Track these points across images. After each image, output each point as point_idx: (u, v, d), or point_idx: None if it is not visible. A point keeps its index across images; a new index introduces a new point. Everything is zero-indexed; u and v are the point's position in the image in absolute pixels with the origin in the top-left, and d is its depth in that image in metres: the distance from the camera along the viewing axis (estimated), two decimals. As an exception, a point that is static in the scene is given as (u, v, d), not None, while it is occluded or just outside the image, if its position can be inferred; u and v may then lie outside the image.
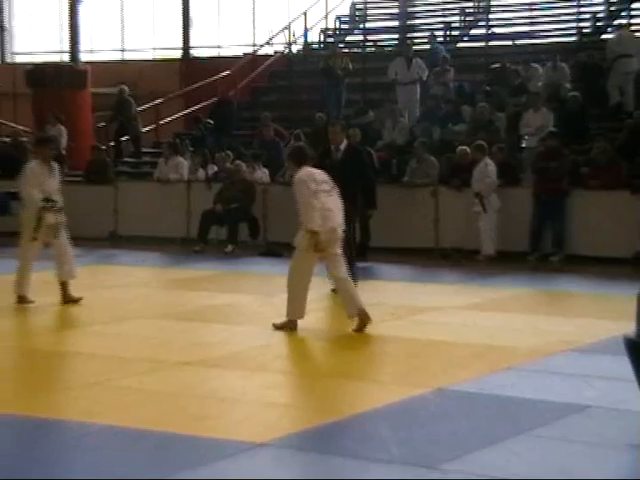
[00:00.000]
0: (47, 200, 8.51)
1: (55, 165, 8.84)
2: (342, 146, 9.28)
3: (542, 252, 11.57)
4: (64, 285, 8.67)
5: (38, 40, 23.05)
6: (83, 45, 18.68)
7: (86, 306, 8.68)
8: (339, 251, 7.44)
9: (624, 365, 4.72)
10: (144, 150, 16.75)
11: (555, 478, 4.20)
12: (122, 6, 22.33)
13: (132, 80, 18.39)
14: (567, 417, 5.12)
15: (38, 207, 8.46)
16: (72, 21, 18.06)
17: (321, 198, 7.22)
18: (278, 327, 7.42)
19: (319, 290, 9.62)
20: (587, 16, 17.33)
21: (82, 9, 18.27)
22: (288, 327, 7.40)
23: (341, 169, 8.84)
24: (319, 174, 7.44)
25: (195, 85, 18.01)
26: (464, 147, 12.23)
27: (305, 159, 7.56)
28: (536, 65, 14.66)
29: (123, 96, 16.43)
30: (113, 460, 4.49)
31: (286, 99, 17.14)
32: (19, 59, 23.00)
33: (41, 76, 17.29)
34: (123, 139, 16.63)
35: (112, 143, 16.66)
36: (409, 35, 18.91)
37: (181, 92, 18.63)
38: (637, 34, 14.26)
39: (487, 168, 11.57)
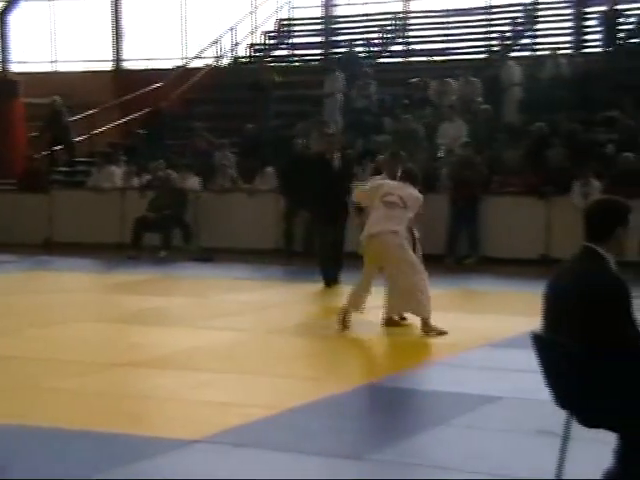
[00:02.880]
0: None
1: None
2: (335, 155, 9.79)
3: (458, 254, 11.80)
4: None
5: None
6: (14, 56, 18.29)
7: (21, 311, 8.50)
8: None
9: (534, 358, 4.85)
10: (79, 159, 16.48)
11: (472, 462, 4.30)
12: (53, 18, 21.90)
13: (65, 91, 18.03)
14: (481, 407, 5.25)
15: None
16: (2, 31, 17.67)
17: None
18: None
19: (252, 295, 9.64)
20: (495, 35, 17.75)
21: (12, 20, 17.88)
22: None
23: (339, 177, 9.53)
24: None
25: (128, 96, 17.78)
26: (383, 156, 12.36)
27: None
28: (450, 80, 14.93)
29: (55, 107, 16.15)
30: (48, 461, 4.38)
31: (217, 110, 17.07)
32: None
33: (-28, 86, 16.89)
34: (57, 148, 16.34)
35: (46, 152, 16.35)
36: (332, 50, 19.05)
37: (114, 103, 18.37)
38: (515, 65, 14.69)
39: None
